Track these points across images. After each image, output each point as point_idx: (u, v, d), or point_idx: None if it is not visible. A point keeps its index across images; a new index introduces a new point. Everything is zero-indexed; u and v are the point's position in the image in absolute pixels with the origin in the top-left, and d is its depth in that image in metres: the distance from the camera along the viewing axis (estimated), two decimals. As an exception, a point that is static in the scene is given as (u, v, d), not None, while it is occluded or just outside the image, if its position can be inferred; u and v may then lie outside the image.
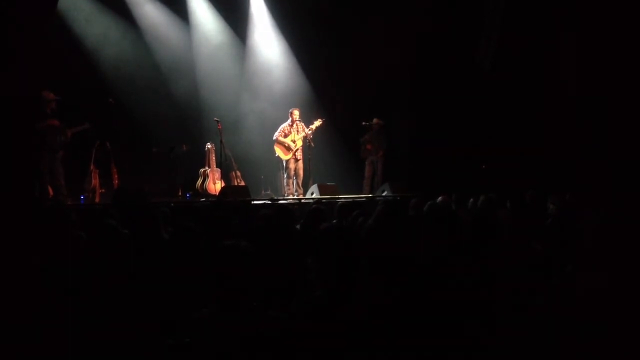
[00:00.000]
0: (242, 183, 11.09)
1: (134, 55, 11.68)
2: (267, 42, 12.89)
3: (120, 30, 11.63)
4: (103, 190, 10.10)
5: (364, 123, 11.73)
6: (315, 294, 2.64)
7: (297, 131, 10.99)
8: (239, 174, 11.34)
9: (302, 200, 9.83)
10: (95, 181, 10.00)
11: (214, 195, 10.42)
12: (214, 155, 11.09)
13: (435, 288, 3.03)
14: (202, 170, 11.15)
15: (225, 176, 11.16)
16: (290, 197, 10.73)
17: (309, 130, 10.95)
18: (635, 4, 8.95)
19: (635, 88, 8.83)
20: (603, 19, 9.20)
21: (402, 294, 2.79)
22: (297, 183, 11.09)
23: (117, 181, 10.14)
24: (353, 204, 6.90)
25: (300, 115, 11.11)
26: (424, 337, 2.70)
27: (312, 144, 11.00)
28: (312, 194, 10.40)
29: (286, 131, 11.02)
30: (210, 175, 11.04)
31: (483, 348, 2.83)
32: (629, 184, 8.04)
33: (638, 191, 7.64)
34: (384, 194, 10.53)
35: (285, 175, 11.17)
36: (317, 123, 11.02)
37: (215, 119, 10.74)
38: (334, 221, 5.01)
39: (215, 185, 10.94)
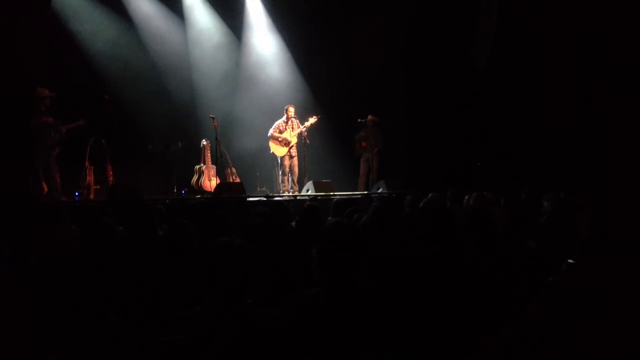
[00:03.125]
0: (238, 180, 11.08)
1: (129, 51, 11.65)
2: (263, 39, 12.89)
3: (115, 27, 11.60)
4: (98, 187, 10.09)
5: (359, 120, 11.74)
6: (312, 290, 2.64)
7: (292, 128, 11.00)
8: (234, 170, 11.33)
9: (298, 197, 9.83)
10: (90, 178, 9.98)
11: (210, 192, 10.42)
12: (209, 152, 11.08)
13: (430, 285, 3.03)
14: (197, 167, 11.14)
15: (220, 173, 11.16)
16: (286, 193, 10.73)
17: (304, 127, 10.95)
18: (633, 1, 8.97)
19: (635, 85, 8.85)
20: (601, 15, 9.22)
21: (398, 291, 2.80)
22: (293, 180, 11.09)
23: (112, 178, 10.12)
24: (348, 201, 6.92)
25: (296, 112, 11.11)
26: (421, 334, 2.70)
27: (307, 140, 11.00)
28: (307, 190, 10.40)
29: (281, 128, 11.02)
30: (206, 172, 11.03)
31: (480, 346, 2.84)
32: (627, 182, 8.07)
33: (636, 190, 7.66)
34: (379, 191, 10.54)
35: (280, 172, 11.17)
36: (312, 120, 11.02)
37: (211, 115, 10.73)
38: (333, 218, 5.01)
39: (210, 182, 10.93)
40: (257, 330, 2.46)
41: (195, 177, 11.08)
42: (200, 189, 10.91)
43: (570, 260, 3.09)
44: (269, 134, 11.04)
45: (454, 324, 2.89)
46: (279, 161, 11.15)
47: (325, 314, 2.51)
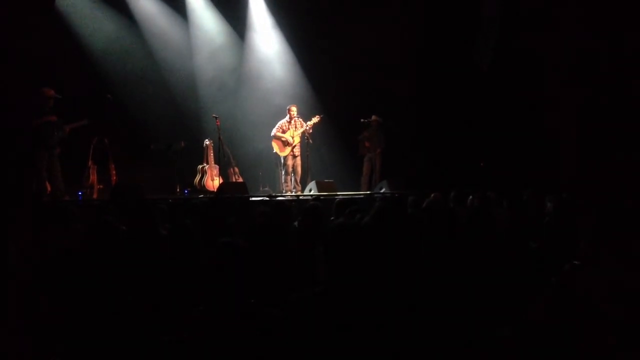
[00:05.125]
0: (240, 179, 11.08)
1: (132, 50, 11.66)
2: (266, 38, 12.88)
3: (118, 26, 11.61)
4: (101, 186, 10.09)
5: (362, 120, 11.72)
6: (316, 289, 2.64)
7: (295, 127, 11.00)
8: (237, 170, 11.33)
9: (300, 197, 9.82)
10: (93, 177, 9.98)
11: (212, 192, 10.42)
12: (212, 151, 11.08)
13: (432, 285, 3.03)
14: (200, 166, 11.14)
15: (223, 172, 11.15)
16: (288, 193, 10.72)
17: (308, 126, 10.95)
18: (634, 2, 8.96)
19: (636, 86, 8.83)
20: (602, 16, 9.20)
21: (401, 291, 2.80)
22: (295, 180, 11.09)
23: (114, 177, 10.12)
24: (351, 201, 6.90)
25: (298, 112, 11.10)
26: (423, 333, 2.70)
27: (310, 140, 10.99)
28: (310, 190, 10.39)
29: (284, 127, 11.02)
30: (209, 172, 11.03)
31: (481, 346, 2.84)
32: (629, 183, 8.05)
33: (637, 190, 7.65)
34: (382, 191, 10.53)
35: (283, 172, 11.17)
36: (315, 120, 11.01)
37: (214, 115, 10.73)
38: (337, 218, 5.00)
39: (213, 181, 10.93)
40: (259, 330, 2.46)
41: (198, 177, 11.08)
42: (203, 189, 10.91)
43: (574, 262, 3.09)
44: (272, 134, 11.04)
45: (456, 324, 2.89)
46: (282, 161, 11.15)
47: (330, 312, 2.51)
